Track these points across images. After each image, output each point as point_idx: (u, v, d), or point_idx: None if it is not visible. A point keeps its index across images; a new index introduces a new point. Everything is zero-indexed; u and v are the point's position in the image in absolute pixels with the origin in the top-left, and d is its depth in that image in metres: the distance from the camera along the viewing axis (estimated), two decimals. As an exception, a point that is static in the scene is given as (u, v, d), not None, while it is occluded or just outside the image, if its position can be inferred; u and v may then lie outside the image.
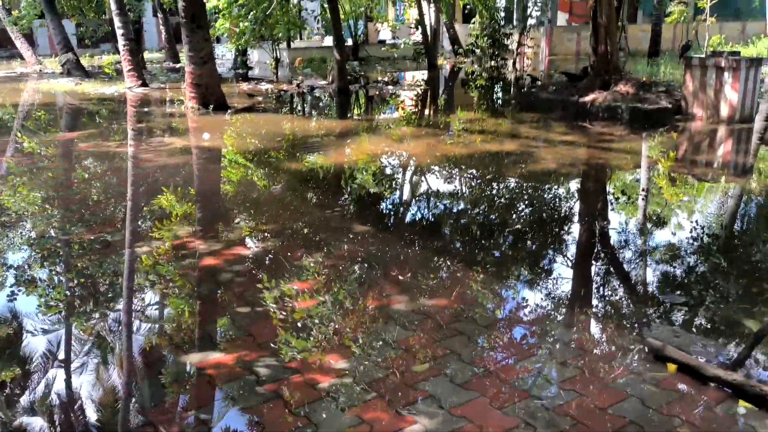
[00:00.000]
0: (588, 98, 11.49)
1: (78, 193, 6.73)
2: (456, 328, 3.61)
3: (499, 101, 13.62)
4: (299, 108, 13.14)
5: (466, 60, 24.04)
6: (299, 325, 3.68)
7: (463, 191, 6.98)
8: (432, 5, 21.24)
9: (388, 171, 7.90)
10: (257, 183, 7.17)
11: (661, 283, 4.40)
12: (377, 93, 14.73)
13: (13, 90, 16.33)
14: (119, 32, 15.47)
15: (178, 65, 20.08)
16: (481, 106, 13.00)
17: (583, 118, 11.02)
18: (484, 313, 3.86)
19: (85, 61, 22.50)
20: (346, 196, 6.75)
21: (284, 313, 3.83)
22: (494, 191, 6.94)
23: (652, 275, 4.61)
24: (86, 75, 18.45)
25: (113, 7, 15.38)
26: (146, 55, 26.87)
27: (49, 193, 6.68)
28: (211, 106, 11.87)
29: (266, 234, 5.30)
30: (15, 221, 5.81)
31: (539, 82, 13.85)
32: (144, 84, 15.51)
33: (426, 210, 6.28)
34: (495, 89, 16.39)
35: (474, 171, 7.77)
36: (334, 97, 14.15)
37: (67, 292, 4.33)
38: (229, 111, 11.61)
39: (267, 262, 4.71)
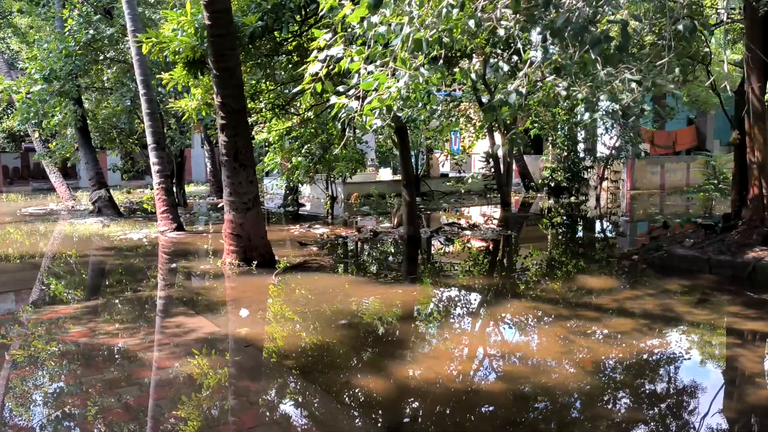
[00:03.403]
0: (748, 257, 8.64)
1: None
2: None
3: (612, 256, 10.81)
4: (362, 263, 10.52)
5: (537, 195, 21.62)
6: None
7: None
8: (502, 136, 19.04)
9: (514, 408, 5.01)
10: None
11: None
12: (453, 240, 12.13)
13: (29, 233, 14.24)
14: (154, 168, 13.47)
15: (220, 203, 18.05)
16: (593, 264, 10.20)
17: (748, 285, 8.15)
18: None
19: (122, 197, 20.79)
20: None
21: None
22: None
23: None
24: (118, 214, 16.39)
25: (149, 140, 13.46)
26: (191, 187, 25.28)
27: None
28: (255, 263, 9.39)
29: None
30: None
31: (667, 233, 11.03)
32: (179, 227, 13.28)
33: None
34: (595, 236, 13.65)
35: (659, 403, 4.87)
36: (402, 247, 11.56)
37: None
38: (275, 272, 9.07)
39: None
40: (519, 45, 5.36)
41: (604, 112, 10.53)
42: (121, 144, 18.42)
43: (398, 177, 23.30)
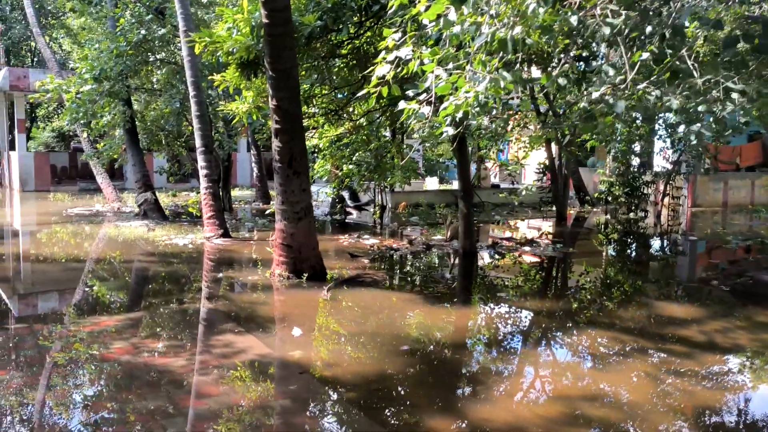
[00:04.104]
0: None
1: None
2: None
3: (688, 281, 10.02)
4: (418, 280, 9.89)
5: (592, 209, 20.71)
6: None
7: None
8: (559, 148, 18.23)
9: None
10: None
11: None
12: (510, 257, 11.45)
13: (74, 234, 14.01)
14: (202, 172, 13.08)
15: (267, 210, 17.60)
16: (669, 289, 9.44)
17: None
18: None
19: (168, 200, 20.56)
20: None
21: None
22: None
23: None
24: (164, 218, 16.09)
25: (198, 143, 13.07)
26: (236, 192, 24.99)
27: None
28: (305, 276, 8.87)
29: None
30: None
31: (749, 257, 10.21)
32: (225, 234, 12.85)
33: None
34: (663, 256, 12.80)
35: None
36: (459, 263, 10.93)
37: None
38: (327, 286, 8.52)
39: None
40: (621, 46, 4.72)
41: (699, 126, 9.49)
42: (168, 146, 18.15)
43: (445, 187, 22.73)
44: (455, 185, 23.07)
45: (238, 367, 5.57)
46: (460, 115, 5.90)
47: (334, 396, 5.05)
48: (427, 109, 5.88)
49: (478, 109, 5.77)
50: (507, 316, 7.83)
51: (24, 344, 6.32)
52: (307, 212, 9.08)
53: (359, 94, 6.84)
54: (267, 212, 14.42)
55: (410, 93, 6.12)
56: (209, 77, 11.12)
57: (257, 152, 21.02)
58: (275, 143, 8.80)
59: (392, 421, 4.60)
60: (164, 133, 17.58)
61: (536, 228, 16.44)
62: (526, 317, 7.75)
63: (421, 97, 5.94)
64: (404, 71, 6.46)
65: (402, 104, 6.09)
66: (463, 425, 4.56)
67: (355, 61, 10.90)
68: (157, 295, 8.61)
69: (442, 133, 6.20)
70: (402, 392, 5.18)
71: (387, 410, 4.81)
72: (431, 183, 22.97)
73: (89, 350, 5.95)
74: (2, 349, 6.15)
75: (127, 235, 13.77)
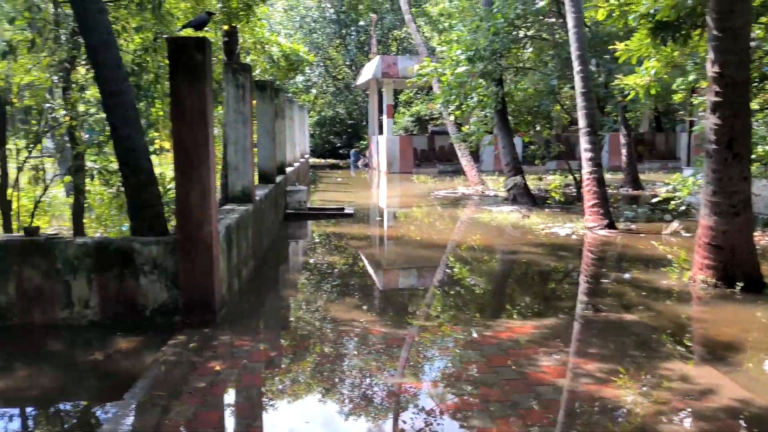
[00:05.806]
0: None
1: None
2: None
3: None
4: None
5: None
6: None
7: None
8: None
9: None
10: None
11: None
12: None
13: (449, 218, 13.86)
14: (585, 155, 11.86)
15: (639, 194, 15.69)
16: None
17: None
18: None
19: (531, 183, 19.75)
20: None
21: None
22: None
23: None
24: (533, 203, 15.27)
25: (581, 123, 11.86)
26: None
27: None
28: (738, 285, 7.10)
29: None
30: None
31: None
32: (611, 225, 11.46)
33: None
34: None
35: None
36: None
37: None
38: (782, 303, 6.64)
39: None
40: None
41: None
42: (534, 127, 17.23)
43: None
44: None
45: (716, 416, 4.19)
46: None
47: None
48: None
49: None
50: None
51: (432, 347, 5.73)
52: (745, 206, 7.26)
53: None
54: (654, 200, 12.63)
55: None
56: (611, 47, 9.77)
57: (627, 132, 19.08)
58: (711, 120, 7.12)
59: None
60: (532, 114, 16.69)
61: None
62: None
63: None
64: None
65: None
66: None
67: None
68: (561, 297, 7.60)
69: None
70: None
71: None
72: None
73: (520, 368, 5.06)
74: (413, 356, 5.62)
75: (500, 221, 13.16)
